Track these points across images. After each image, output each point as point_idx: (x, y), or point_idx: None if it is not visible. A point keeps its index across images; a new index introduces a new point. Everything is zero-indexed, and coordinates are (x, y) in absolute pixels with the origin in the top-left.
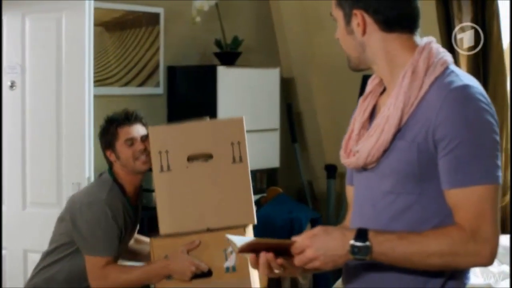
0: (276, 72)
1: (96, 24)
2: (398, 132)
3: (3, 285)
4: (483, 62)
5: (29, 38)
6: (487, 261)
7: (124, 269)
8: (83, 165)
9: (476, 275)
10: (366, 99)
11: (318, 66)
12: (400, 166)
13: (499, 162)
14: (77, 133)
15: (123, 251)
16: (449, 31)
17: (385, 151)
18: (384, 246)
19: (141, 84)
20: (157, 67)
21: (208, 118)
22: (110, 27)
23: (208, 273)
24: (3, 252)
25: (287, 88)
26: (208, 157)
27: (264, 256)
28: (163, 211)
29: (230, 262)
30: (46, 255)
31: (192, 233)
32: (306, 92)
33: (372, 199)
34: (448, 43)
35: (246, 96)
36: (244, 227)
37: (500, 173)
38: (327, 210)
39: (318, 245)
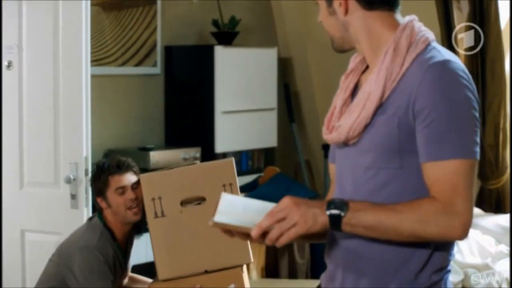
0: (274, 52)
1: (93, 4)
2: (380, 107)
3: (1, 264)
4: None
5: (26, 18)
6: (459, 235)
7: None
8: (80, 145)
9: (473, 255)
10: (348, 77)
11: (316, 46)
12: (380, 140)
13: (477, 139)
14: (74, 113)
15: None
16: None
17: (366, 126)
18: (358, 208)
19: (138, 64)
20: (154, 47)
21: (198, 162)
22: (107, 6)
23: None
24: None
25: (285, 67)
26: (201, 200)
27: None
28: (160, 256)
29: None
30: None
31: (191, 275)
32: (303, 72)
33: (353, 175)
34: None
35: (243, 75)
36: (241, 266)
37: (477, 149)
38: (324, 189)
39: (298, 201)
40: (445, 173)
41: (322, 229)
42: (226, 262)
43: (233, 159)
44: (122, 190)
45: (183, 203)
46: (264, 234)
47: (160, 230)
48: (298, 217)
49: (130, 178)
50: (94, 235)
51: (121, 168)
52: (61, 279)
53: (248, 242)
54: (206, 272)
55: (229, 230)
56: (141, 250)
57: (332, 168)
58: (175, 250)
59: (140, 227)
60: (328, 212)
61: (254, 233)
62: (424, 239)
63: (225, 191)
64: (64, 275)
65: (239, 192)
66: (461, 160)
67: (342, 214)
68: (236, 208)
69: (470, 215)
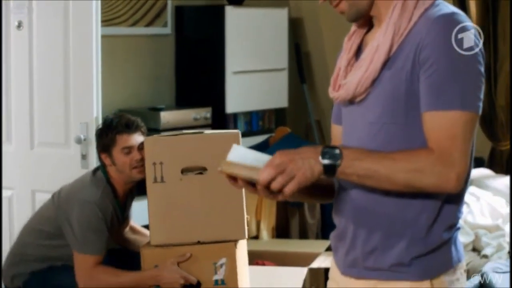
0: (284, 12)
1: None
2: (387, 62)
3: (12, 225)
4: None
5: None
6: (452, 186)
7: (113, 272)
8: (91, 105)
9: (484, 216)
10: (351, 38)
11: (327, 5)
12: (387, 95)
13: (480, 94)
14: (84, 73)
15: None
16: None
17: (374, 82)
18: (353, 156)
19: (148, 24)
20: (164, 6)
21: (206, 131)
22: None
23: (197, 286)
24: (11, 192)
25: (295, 28)
26: (202, 170)
27: (240, 183)
28: (155, 221)
29: (219, 275)
30: (31, 232)
31: (183, 244)
32: (314, 32)
33: (358, 132)
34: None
35: (254, 36)
36: (235, 242)
37: (480, 104)
38: None
39: (290, 156)
40: (443, 123)
41: (320, 177)
42: (220, 235)
43: (239, 132)
44: (128, 150)
45: (184, 171)
46: (268, 187)
47: (157, 195)
48: (295, 171)
49: (137, 138)
50: (97, 191)
51: (130, 128)
52: (56, 225)
53: (245, 216)
54: (199, 243)
55: (235, 178)
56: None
57: (335, 129)
58: (170, 217)
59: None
60: (322, 162)
61: (263, 176)
62: (418, 189)
63: None
64: (60, 223)
65: None
66: (461, 112)
67: (337, 163)
68: (246, 160)
69: (465, 168)
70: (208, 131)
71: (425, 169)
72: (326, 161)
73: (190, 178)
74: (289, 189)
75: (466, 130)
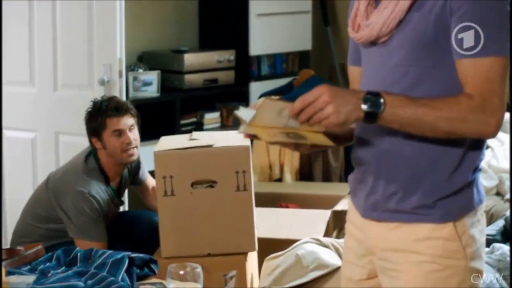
0: None
1: None
2: (414, 3)
3: (36, 167)
4: None
5: None
6: (492, 132)
7: None
8: (114, 46)
9: (508, 160)
10: None
11: None
12: (414, 37)
13: (508, 35)
14: (108, 14)
15: None
16: None
17: (400, 23)
18: (395, 104)
19: None
20: None
21: (214, 145)
22: None
23: None
24: (35, 134)
25: None
26: (212, 183)
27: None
28: (165, 234)
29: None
30: (30, 213)
31: (193, 256)
32: None
33: (382, 75)
34: None
35: None
36: (245, 254)
37: (509, 46)
38: None
39: (333, 91)
40: (480, 70)
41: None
42: (230, 248)
43: (249, 146)
44: (119, 132)
45: (194, 184)
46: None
47: (168, 208)
48: (331, 110)
49: (127, 121)
50: (90, 180)
51: (120, 111)
52: (51, 211)
53: (254, 229)
54: (209, 255)
55: (256, 136)
56: None
57: (353, 70)
58: (181, 230)
59: (136, 177)
60: (364, 109)
61: (294, 106)
62: (458, 136)
63: (237, 178)
64: (55, 209)
65: (251, 180)
66: (496, 58)
67: (379, 111)
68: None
69: (503, 113)
70: (218, 145)
71: (468, 117)
72: (368, 109)
73: (200, 192)
74: (317, 118)
75: (502, 75)
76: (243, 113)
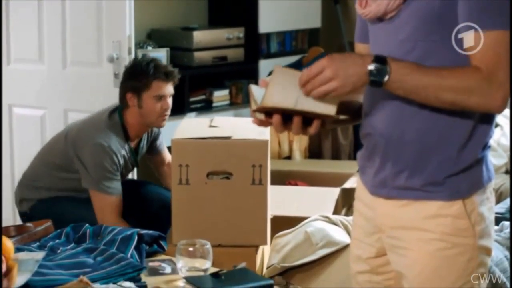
0: None
1: None
2: None
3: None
4: None
5: None
6: (498, 106)
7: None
8: (123, 23)
9: None
10: None
11: None
12: (421, 12)
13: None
14: None
15: None
16: None
17: None
18: (402, 71)
19: None
20: None
21: (233, 137)
22: None
23: None
24: (44, 111)
25: None
26: (228, 175)
27: (276, 118)
28: (177, 222)
29: None
30: (42, 160)
31: None
32: None
33: (389, 50)
34: None
35: None
36: (256, 247)
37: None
38: None
39: (336, 64)
40: (486, 43)
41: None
42: (241, 240)
43: (268, 140)
44: (161, 97)
45: (210, 174)
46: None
47: (181, 197)
48: (336, 84)
49: (170, 88)
50: (111, 135)
51: (168, 77)
52: (67, 160)
53: (268, 223)
54: (220, 245)
55: (266, 119)
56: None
57: (360, 47)
58: (193, 219)
59: (154, 144)
60: (370, 78)
61: (300, 78)
62: (463, 108)
63: (253, 172)
64: (72, 159)
65: (268, 175)
66: (503, 31)
67: (385, 79)
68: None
69: (509, 88)
70: (235, 137)
71: (473, 89)
72: (373, 78)
73: (215, 183)
74: (323, 90)
75: (508, 49)
76: (256, 91)
